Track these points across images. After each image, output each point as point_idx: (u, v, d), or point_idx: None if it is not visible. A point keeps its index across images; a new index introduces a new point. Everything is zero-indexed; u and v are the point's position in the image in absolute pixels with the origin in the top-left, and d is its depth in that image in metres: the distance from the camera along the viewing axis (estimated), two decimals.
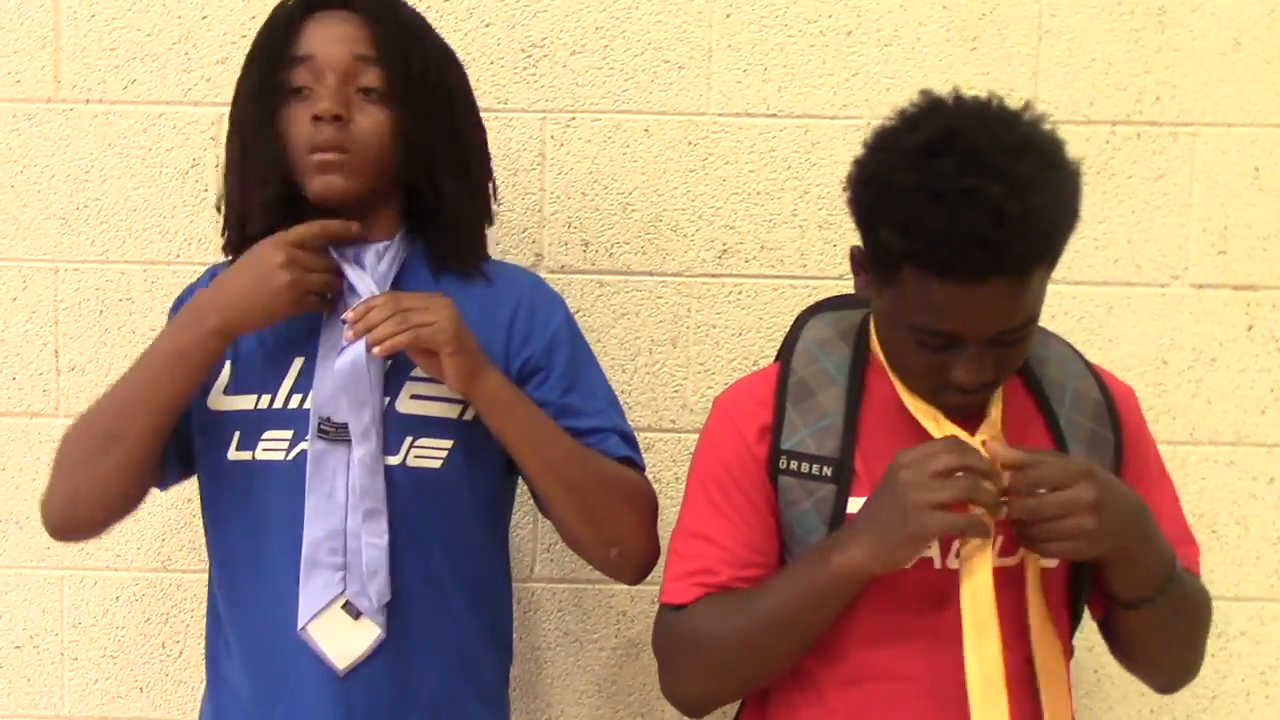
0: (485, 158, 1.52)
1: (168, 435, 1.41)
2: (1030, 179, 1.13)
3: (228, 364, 1.45)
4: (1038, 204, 1.13)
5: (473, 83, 1.50)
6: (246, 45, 1.81)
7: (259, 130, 1.41)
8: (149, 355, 1.39)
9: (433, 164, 1.44)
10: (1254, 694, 1.89)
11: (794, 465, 1.32)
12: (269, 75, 1.41)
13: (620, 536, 1.45)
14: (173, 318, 1.49)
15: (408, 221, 1.48)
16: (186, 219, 1.83)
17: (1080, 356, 1.43)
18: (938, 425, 1.28)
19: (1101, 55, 1.82)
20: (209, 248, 1.82)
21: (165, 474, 1.49)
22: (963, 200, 1.12)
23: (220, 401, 1.44)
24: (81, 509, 1.43)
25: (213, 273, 1.50)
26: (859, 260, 1.31)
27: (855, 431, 1.31)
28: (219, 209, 1.48)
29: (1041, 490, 1.19)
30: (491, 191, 1.54)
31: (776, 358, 1.47)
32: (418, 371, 1.40)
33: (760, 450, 1.34)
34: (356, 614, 1.39)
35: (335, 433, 1.39)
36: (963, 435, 1.26)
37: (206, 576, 1.50)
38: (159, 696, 1.90)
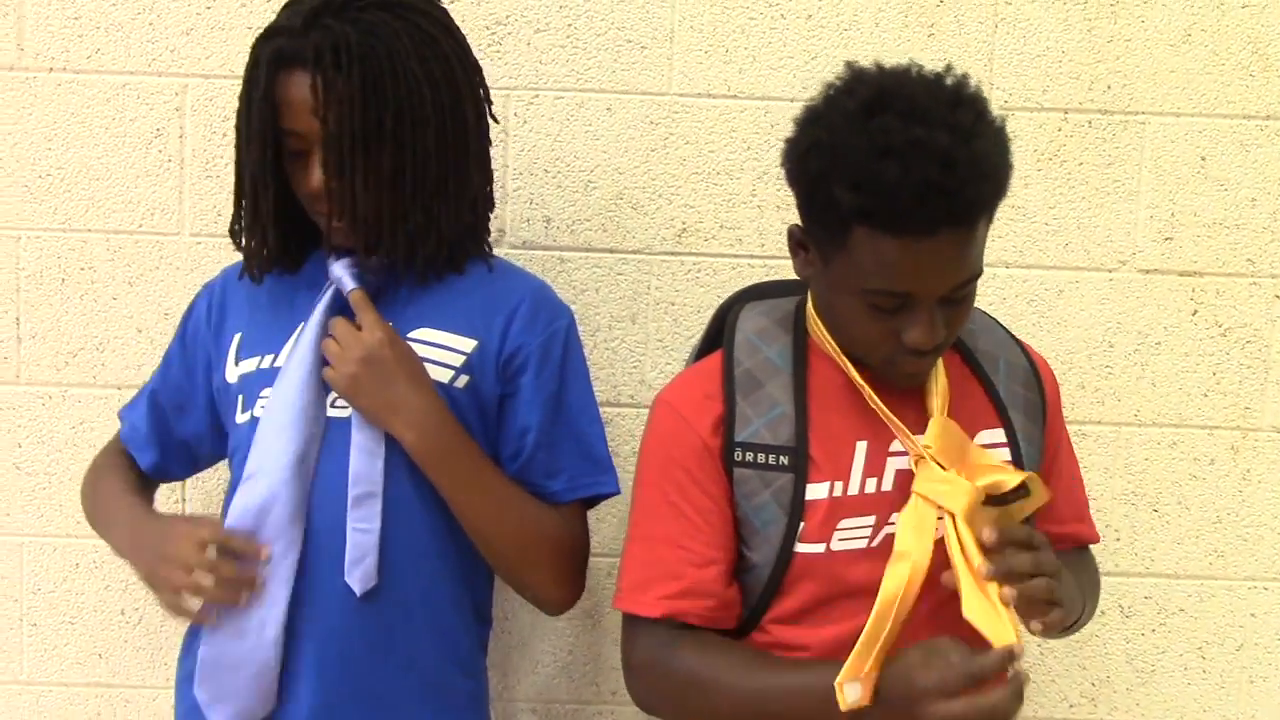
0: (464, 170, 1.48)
1: None
2: (970, 127, 1.18)
3: (238, 335, 1.49)
4: (981, 149, 1.18)
5: None
6: (212, 16, 1.81)
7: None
8: (115, 527, 1.54)
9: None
10: (1191, 668, 1.94)
11: (750, 456, 1.33)
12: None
13: (529, 587, 1.53)
14: (182, 324, 1.58)
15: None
16: (150, 188, 1.84)
17: (1000, 325, 1.47)
18: (885, 409, 1.31)
19: (1055, 44, 1.85)
20: (171, 217, 1.83)
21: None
22: (912, 151, 1.15)
23: (232, 372, 1.47)
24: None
25: (225, 275, 1.56)
26: (798, 239, 1.33)
27: (807, 418, 1.33)
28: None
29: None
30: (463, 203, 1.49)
31: (703, 350, 1.49)
32: (413, 334, 1.43)
33: (715, 443, 1.34)
34: None
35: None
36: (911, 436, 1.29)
37: None
38: (118, 663, 1.91)
